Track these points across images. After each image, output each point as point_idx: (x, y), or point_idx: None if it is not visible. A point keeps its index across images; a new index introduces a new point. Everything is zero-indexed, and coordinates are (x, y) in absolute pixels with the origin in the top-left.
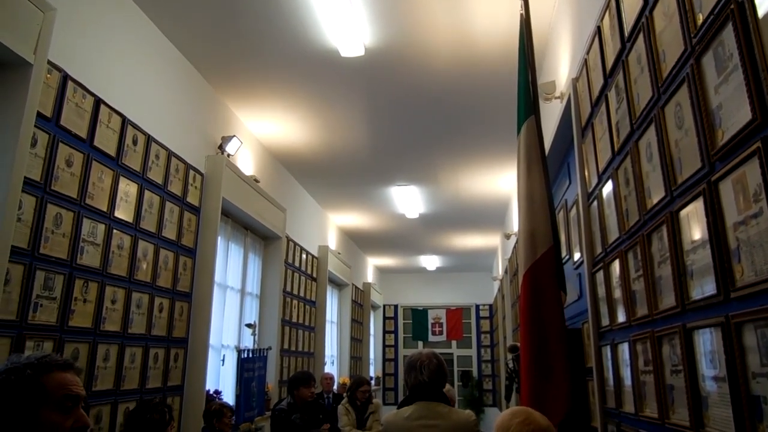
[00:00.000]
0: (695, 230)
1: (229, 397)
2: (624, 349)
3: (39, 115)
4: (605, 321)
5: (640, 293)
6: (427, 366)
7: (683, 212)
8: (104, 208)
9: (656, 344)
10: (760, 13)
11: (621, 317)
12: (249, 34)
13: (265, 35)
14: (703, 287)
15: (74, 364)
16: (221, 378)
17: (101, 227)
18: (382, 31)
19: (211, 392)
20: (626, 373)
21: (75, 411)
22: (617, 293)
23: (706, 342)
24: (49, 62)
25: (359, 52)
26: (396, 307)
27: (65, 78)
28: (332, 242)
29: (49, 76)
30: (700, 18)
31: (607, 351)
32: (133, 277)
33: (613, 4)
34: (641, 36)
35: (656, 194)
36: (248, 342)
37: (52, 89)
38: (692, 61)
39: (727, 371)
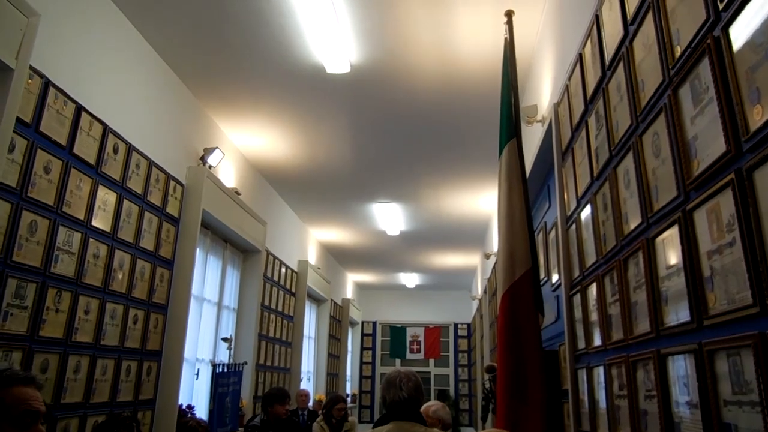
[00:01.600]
0: (670, 257)
1: (202, 412)
2: (599, 373)
3: (18, 120)
4: (581, 344)
5: (616, 318)
6: (405, 383)
7: (659, 239)
8: (81, 217)
9: (631, 369)
10: (735, 47)
11: (597, 341)
12: (235, 46)
13: (251, 48)
14: (677, 314)
15: (36, 378)
16: (195, 392)
17: (77, 236)
18: (368, 49)
19: (184, 407)
20: (601, 397)
21: (34, 428)
22: (594, 317)
23: (680, 368)
24: (31, 68)
25: (345, 68)
26: (374, 323)
27: (47, 84)
28: (312, 257)
29: (30, 81)
30: (678, 50)
31: (583, 374)
32: (108, 288)
33: (594, 32)
34: (621, 65)
35: (633, 220)
36: (224, 356)
37: (32, 95)
38: (670, 91)
39: (699, 398)
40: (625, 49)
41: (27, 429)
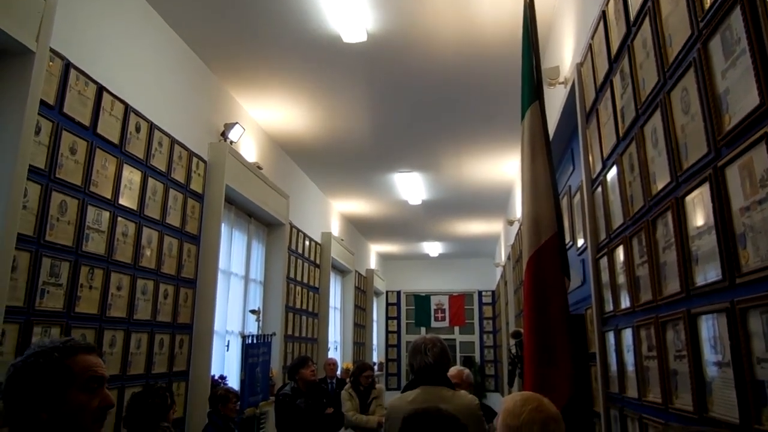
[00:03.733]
0: (701, 216)
1: (234, 382)
2: (627, 335)
3: (42, 103)
4: (609, 307)
5: (645, 279)
6: (431, 349)
7: (689, 198)
8: (108, 196)
9: (660, 330)
10: None
11: (625, 303)
12: (251, 20)
13: (267, 21)
14: (708, 273)
15: (96, 347)
16: (226, 363)
17: (106, 214)
18: (385, 17)
19: (216, 377)
20: (629, 359)
21: (100, 391)
22: (621, 279)
23: (711, 328)
24: (52, 50)
25: (362, 37)
26: (399, 293)
27: (68, 66)
28: (335, 229)
29: (51, 63)
30: (708, 2)
31: (611, 336)
32: (138, 264)
33: None
34: (647, 20)
35: (661, 180)
36: (252, 328)
37: (54, 77)
38: (699, 45)
39: (731, 356)
40: (651, 3)
41: (94, 393)
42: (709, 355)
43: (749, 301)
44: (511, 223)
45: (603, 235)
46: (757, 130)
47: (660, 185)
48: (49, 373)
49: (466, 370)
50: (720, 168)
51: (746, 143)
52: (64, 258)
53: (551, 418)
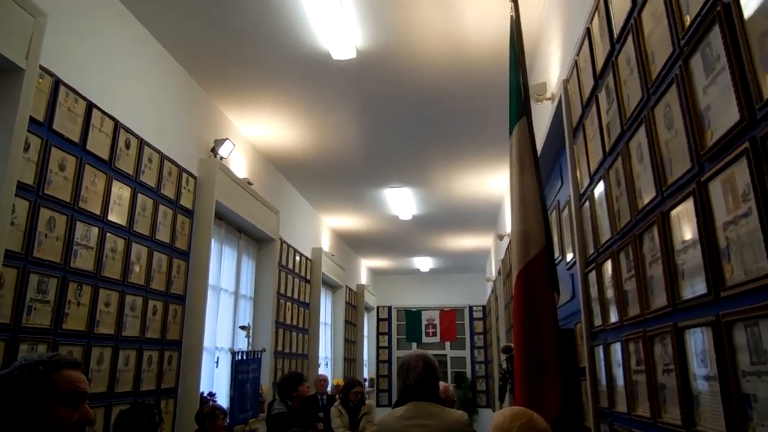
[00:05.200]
0: (686, 230)
1: (223, 399)
2: (616, 349)
3: (31, 119)
4: (598, 321)
5: (632, 293)
6: (414, 368)
7: (674, 212)
8: (97, 212)
9: (648, 344)
10: (746, 14)
11: (613, 317)
12: (241, 37)
13: (257, 38)
14: (694, 287)
15: (81, 363)
16: (215, 380)
17: (94, 230)
18: (374, 34)
19: (206, 394)
20: (619, 373)
21: (81, 406)
22: (609, 293)
23: (697, 341)
24: (41, 67)
25: (351, 54)
26: (390, 308)
27: (57, 83)
28: (326, 244)
29: (41, 80)
30: (688, 20)
31: (600, 351)
32: (127, 280)
33: (602, 5)
34: (630, 37)
35: (647, 195)
36: (242, 344)
37: (44, 94)
38: (680, 62)
39: (717, 370)
40: (633, 21)
41: (75, 407)
42: (696, 368)
43: (734, 314)
44: (501, 237)
45: (591, 250)
46: (738, 145)
47: (646, 200)
48: (33, 386)
49: (442, 386)
50: (703, 183)
51: (728, 158)
52: (52, 274)
53: None
